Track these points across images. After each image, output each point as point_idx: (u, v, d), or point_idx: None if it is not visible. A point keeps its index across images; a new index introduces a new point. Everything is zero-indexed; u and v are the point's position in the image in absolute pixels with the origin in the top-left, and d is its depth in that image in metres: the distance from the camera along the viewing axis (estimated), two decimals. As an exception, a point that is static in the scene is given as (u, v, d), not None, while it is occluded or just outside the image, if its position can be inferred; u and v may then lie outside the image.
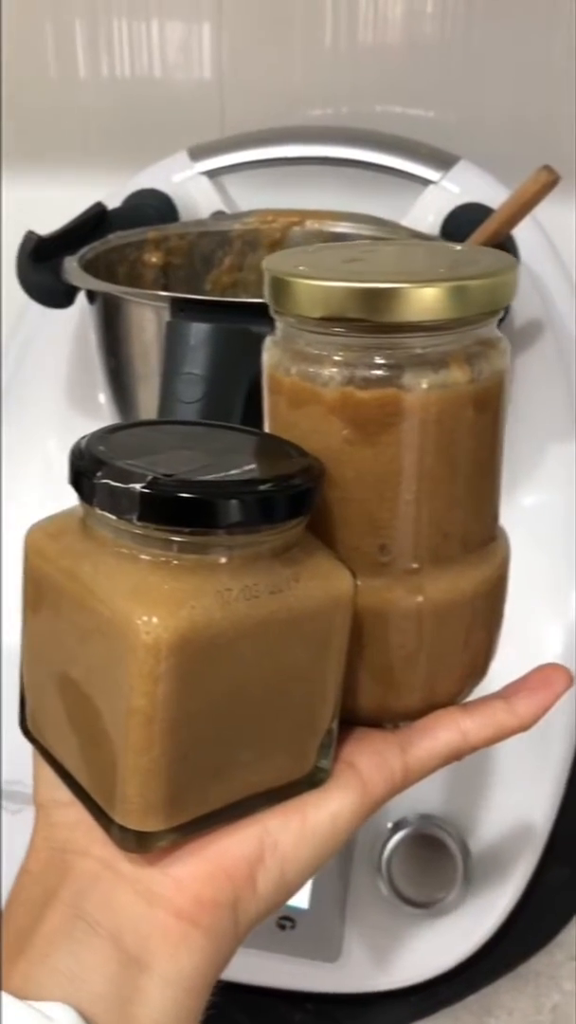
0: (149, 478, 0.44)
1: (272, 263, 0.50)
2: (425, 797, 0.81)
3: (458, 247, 0.54)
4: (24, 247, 0.82)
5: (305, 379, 0.49)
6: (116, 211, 0.92)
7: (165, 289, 0.91)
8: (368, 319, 0.46)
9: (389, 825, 0.81)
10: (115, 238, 0.88)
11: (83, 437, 0.48)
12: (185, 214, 0.95)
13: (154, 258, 0.90)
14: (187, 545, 0.45)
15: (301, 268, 0.49)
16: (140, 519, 0.44)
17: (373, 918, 0.83)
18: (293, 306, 0.48)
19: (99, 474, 0.45)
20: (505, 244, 0.78)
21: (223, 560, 0.45)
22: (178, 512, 0.44)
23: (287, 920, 0.82)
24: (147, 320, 0.77)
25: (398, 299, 0.46)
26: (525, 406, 0.85)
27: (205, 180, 0.95)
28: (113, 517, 0.45)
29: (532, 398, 0.87)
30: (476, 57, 0.98)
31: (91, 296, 0.81)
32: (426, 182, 0.92)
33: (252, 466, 0.47)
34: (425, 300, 0.46)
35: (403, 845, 0.80)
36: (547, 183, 0.74)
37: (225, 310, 0.70)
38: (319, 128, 1.00)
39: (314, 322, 0.48)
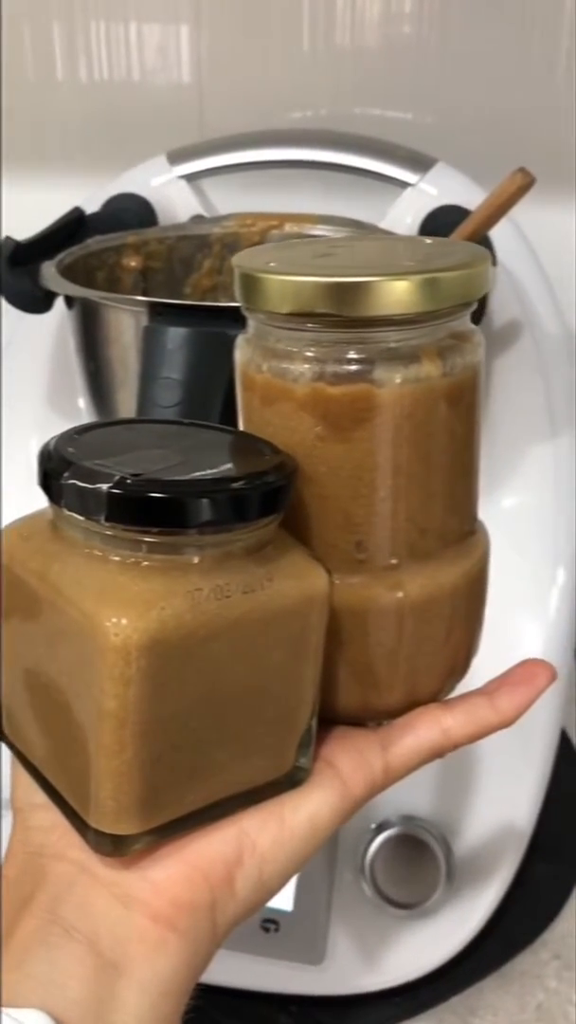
0: (116, 478, 0.43)
1: (241, 259, 0.49)
2: (407, 798, 0.80)
3: (430, 241, 0.53)
4: (1, 252, 0.81)
5: (276, 376, 0.48)
6: (95, 215, 0.92)
7: (145, 293, 0.90)
8: (338, 314, 0.45)
9: (372, 827, 0.80)
10: (94, 243, 0.88)
11: (52, 438, 0.47)
12: (164, 218, 0.94)
13: (133, 262, 0.89)
14: (157, 545, 0.43)
15: (270, 264, 0.47)
16: (108, 520, 0.43)
17: (357, 920, 0.82)
18: (263, 302, 0.47)
19: (66, 475, 0.44)
20: (482, 245, 0.77)
21: (195, 560, 0.44)
22: (146, 512, 0.43)
23: (271, 923, 0.81)
24: (125, 324, 0.76)
25: (369, 293, 0.44)
26: (504, 407, 0.85)
27: (184, 184, 0.94)
28: (81, 518, 0.44)
29: (510, 399, 0.86)
30: (453, 60, 0.98)
31: (69, 301, 0.80)
32: (404, 184, 0.92)
33: (224, 464, 0.46)
34: (396, 293, 0.45)
35: (386, 846, 0.80)
36: (523, 185, 0.74)
37: (202, 314, 0.69)
38: (297, 131, 0.99)
39: (284, 318, 0.47)
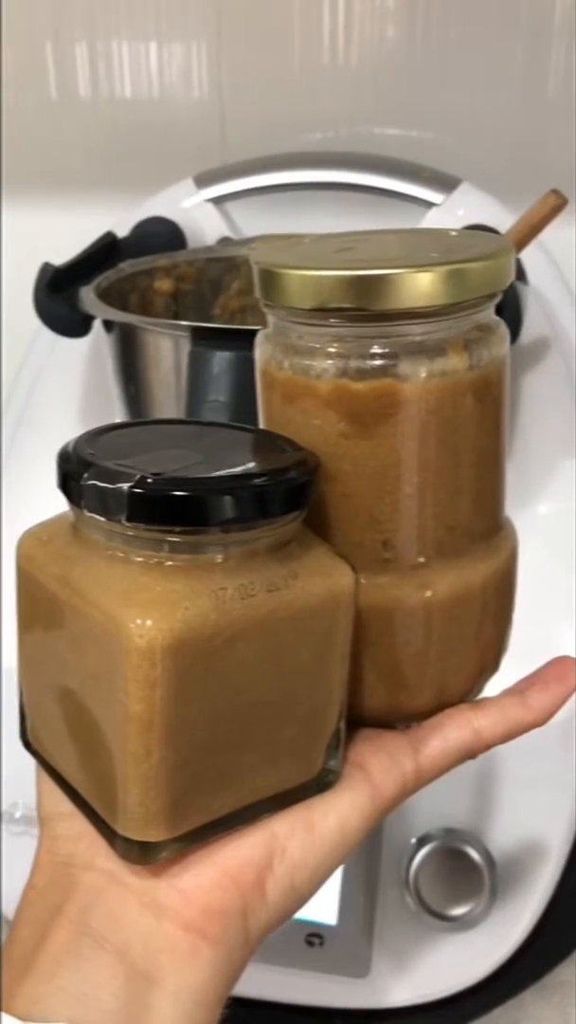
0: (137, 477, 0.41)
1: (261, 255, 0.47)
2: (450, 811, 0.79)
3: (453, 232, 0.51)
4: (41, 278, 0.81)
5: (298, 373, 0.46)
6: (126, 239, 0.91)
7: (176, 315, 0.90)
8: (362, 308, 0.43)
9: (413, 840, 0.79)
10: (127, 266, 0.87)
11: (71, 440, 0.45)
12: (192, 241, 0.94)
13: (165, 285, 0.88)
14: (179, 545, 0.42)
15: (290, 259, 0.46)
16: (129, 520, 0.41)
17: (401, 933, 0.81)
18: (283, 298, 0.45)
19: (86, 475, 0.42)
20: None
21: (218, 559, 0.42)
22: (168, 511, 0.41)
23: (315, 937, 0.80)
24: (165, 348, 0.76)
25: (392, 286, 0.43)
26: (535, 421, 0.85)
27: (211, 207, 0.93)
28: (102, 519, 0.42)
29: (541, 413, 0.86)
30: (473, 79, 0.96)
31: (108, 325, 0.80)
32: (429, 205, 0.90)
33: (245, 461, 0.44)
34: (421, 286, 0.43)
35: (430, 859, 0.79)
36: (555, 206, 0.73)
37: (244, 337, 0.68)
38: (323, 153, 0.98)
39: (306, 313, 0.45)
